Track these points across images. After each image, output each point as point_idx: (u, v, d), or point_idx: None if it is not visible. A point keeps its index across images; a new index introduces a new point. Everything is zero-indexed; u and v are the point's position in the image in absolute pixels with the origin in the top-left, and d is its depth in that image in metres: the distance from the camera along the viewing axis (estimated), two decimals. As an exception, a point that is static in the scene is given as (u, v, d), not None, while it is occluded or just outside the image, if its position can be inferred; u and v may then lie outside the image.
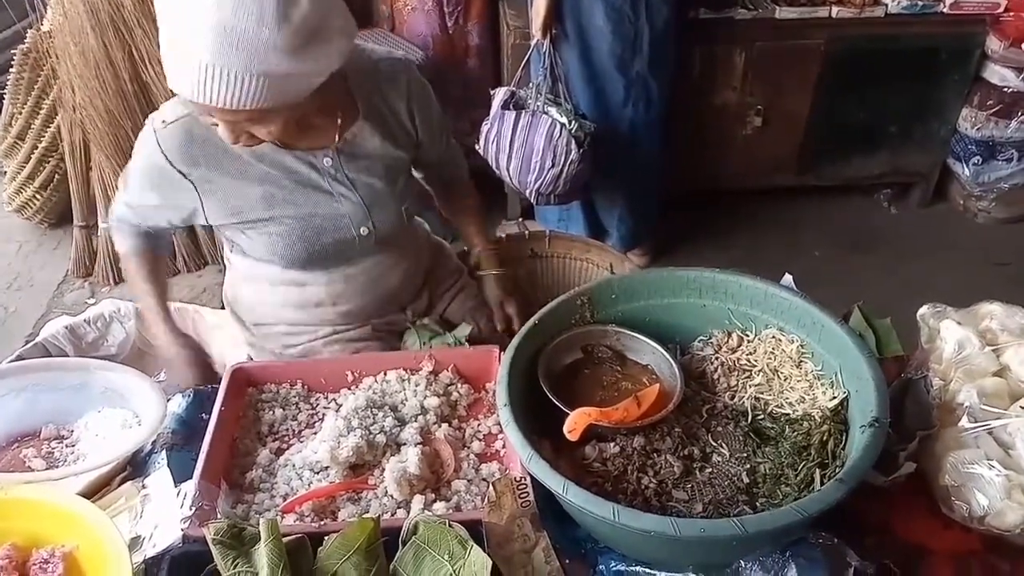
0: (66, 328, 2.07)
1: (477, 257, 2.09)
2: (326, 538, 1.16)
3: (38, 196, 3.81)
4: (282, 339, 1.87)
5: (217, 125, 1.42)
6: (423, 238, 2.02)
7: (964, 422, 1.29)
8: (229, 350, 1.92)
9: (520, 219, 3.77)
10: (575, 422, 1.30)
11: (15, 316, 3.53)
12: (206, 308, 2.14)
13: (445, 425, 1.48)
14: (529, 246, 2.74)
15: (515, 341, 1.42)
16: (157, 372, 2.07)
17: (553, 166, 2.93)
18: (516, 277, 2.11)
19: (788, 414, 1.39)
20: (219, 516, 1.26)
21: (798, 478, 1.28)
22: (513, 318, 2.03)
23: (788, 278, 1.52)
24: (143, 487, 1.34)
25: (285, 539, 1.16)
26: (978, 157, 3.58)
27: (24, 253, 3.89)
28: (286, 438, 1.49)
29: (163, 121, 1.54)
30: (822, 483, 1.25)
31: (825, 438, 1.31)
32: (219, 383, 1.50)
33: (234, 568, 1.15)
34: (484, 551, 1.21)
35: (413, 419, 1.48)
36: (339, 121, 1.59)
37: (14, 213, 3.85)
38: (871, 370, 1.26)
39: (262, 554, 1.12)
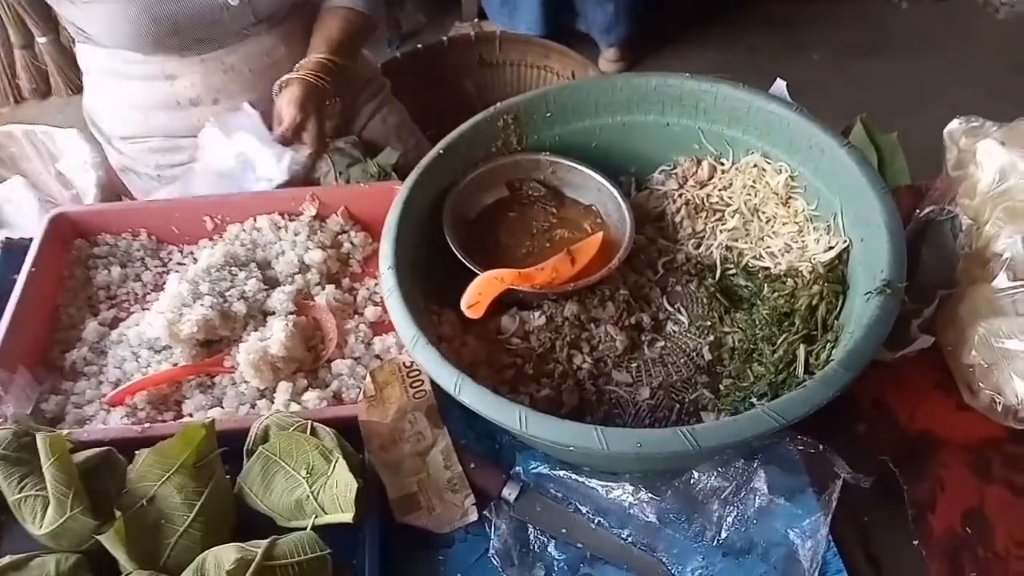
0: None
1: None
2: (136, 453, 0.87)
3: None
4: (155, 157, 1.52)
5: None
6: None
7: (1001, 279, 0.97)
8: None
9: (475, 20, 3.27)
10: (480, 292, 0.97)
11: None
12: (57, 129, 1.74)
13: (331, 287, 1.15)
14: (477, 51, 2.32)
15: (411, 178, 1.06)
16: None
17: None
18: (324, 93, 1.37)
19: (768, 268, 1.07)
20: (8, 416, 0.95)
21: (776, 355, 0.97)
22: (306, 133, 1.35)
23: (780, 85, 1.14)
24: (-75, 376, 1.03)
25: (84, 454, 0.87)
26: (1009, -62, 3.06)
27: None
28: (127, 305, 1.17)
29: None
30: (807, 365, 0.94)
31: (815, 302, 0.99)
32: None
33: (21, 490, 0.86)
34: (364, 456, 0.94)
35: (289, 280, 1.15)
36: None
37: None
38: (885, 214, 0.91)
39: (46, 480, 0.83)
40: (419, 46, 2.23)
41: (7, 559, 0.84)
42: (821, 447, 0.87)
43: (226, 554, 0.80)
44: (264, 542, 0.81)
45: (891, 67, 3.10)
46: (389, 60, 2.11)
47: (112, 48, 1.40)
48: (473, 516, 0.93)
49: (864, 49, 3.19)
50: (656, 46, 3.16)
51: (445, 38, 2.30)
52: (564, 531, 0.92)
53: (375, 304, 1.15)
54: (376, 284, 1.18)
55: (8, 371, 0.99)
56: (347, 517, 0.83)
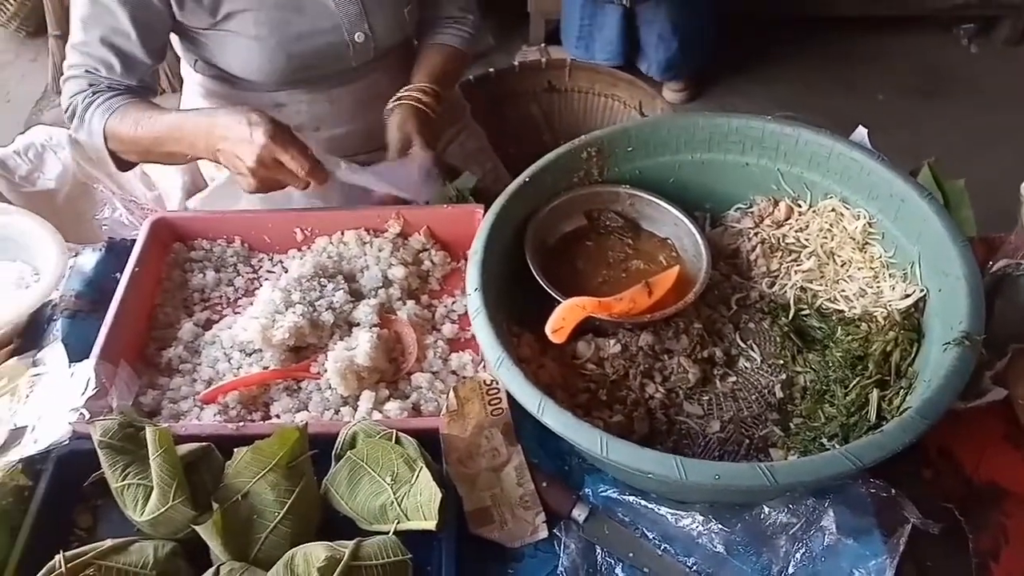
0: (-6, 162, 1.79)
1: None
2: (236, 450, 0.92)
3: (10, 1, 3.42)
4: None
5: None
6: None
7: (1077, 337, 0.98)
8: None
9: (543, 45, 3.33)
10: (563, 318, 1.01)
11: (-10, 133, 3.25)
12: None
13: (411, 302, 1.20)
14: (546, 77, 2.36)
15: (497, 204, 1.11)
16: (101, 209, 1.81)
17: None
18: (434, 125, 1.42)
19: (843, 312, 1.09)
20: (114, 407, 1.01)
21: (848, 398, 1.00)
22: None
23: (862, 132, 1.17)
24: (34, 364, 1.10)
25: (185, 447, 0.92)
26: (1083, -14, 3.03)
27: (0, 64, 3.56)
28: (219, 307, 1.23)
29: None
30: (879, 411, 0.97)
31: (889, 348, 1.01)
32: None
33: (124, 478, 0.92)
34: (442, 467, 0.98)
35: (372, 293, 1.20)
36: None
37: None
38: (965, 267, 0.94)
39: (152, 470, 0.89)
40: (491, 70, 2.28)
41: (109, 542, 0.89)
42: (893, 491, 0.88)
43: (315, 552, 0.85)
44: (350, 543, 0.85)
45: (959, 111, 3.08)
46: (463, 82, 2.17)
47: (239, 78, 1.40)
48: (543, 533, 0.97)
49: (931, 92, 3.18)
50: (716, 77, 3.19)
51: (516, 63, 2.35)
52: (631, 555, 0.95)
53: (452, 322, 1.20)
54: (453, 302, 1.22)
55: (112, 364, 1.05)
56: (430, 525, 0.87)
